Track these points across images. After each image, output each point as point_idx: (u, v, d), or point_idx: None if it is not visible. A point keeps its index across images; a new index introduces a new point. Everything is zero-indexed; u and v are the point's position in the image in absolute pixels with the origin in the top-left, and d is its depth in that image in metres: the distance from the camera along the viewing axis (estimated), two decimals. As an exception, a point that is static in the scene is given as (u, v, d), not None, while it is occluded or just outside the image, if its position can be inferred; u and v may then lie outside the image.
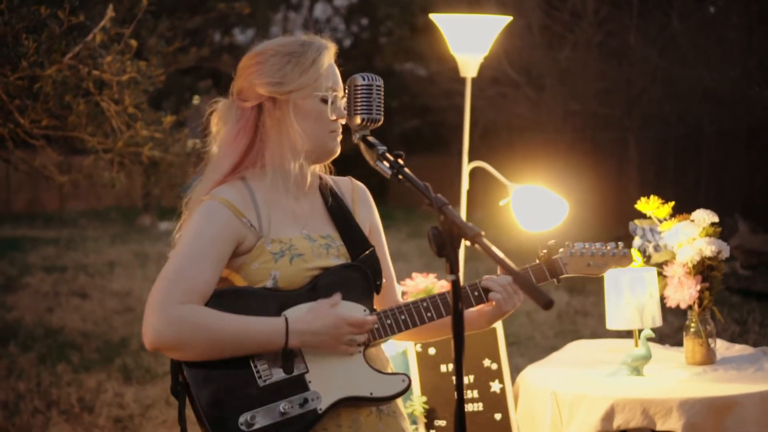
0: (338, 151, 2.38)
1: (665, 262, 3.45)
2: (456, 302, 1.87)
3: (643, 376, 3.34)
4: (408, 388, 2.32)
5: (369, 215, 2.48)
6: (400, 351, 3.66)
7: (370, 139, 2.25)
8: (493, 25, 4.38)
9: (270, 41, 2.36)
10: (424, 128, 22.59)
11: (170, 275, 2.18)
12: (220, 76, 15.47)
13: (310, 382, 2.22)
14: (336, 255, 2.33)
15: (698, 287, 3.37)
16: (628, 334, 3.59)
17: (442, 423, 3.62)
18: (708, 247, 3.36)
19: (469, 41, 4.35)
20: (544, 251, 2.52)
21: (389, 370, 2.38)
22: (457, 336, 1.86)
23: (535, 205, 3.80)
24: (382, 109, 2.28)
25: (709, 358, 3.42)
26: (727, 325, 7.88)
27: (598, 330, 7.79)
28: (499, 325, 3.67)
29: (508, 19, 4.47)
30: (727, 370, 3.35)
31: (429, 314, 2.34)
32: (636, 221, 3.56)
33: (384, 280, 2.41)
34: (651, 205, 3.53)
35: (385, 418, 2.33)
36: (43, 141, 4.98)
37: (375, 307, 2.35)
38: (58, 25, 4.26)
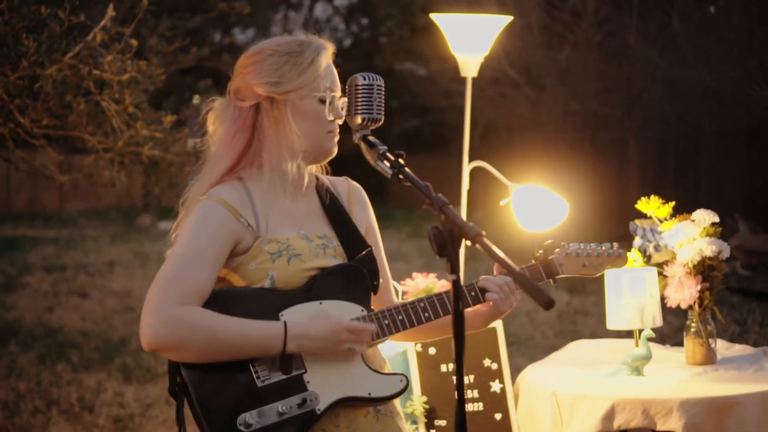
0: (335, 151, 2.38)
1: (666, 262, 3.45)
2: (457, 302, 1.86)
3: (644, 376, 3.33)
4: (406, 388, 2.31)
5: (365, 215, 2.48)
6: (400, 351, 3.65)
7: (371, 138, 2.25)
8: (493, 25, 4.38)
9: (268, 41, 2.35)
10: (424, 128, 22.62)
11: (167, 275, 2.17)
12: (220, 76, 15.47)
13: (308, 382, 2.22)
14: (333, 255, 2.32)
15: (698, 287, 3.36)
16: (628, 334, 3.58)
17: (442, 423, 3.62)
18: (708, 247, 3.35)
19: (470, 41, 4.35)
20: (540, 251, 2.52)
21: (387, 371, 2.37)
22: (458, 336, 1.86)
23: (535, 205, 3.80)
24: (383, 109, 2.28)
25: (710, 358, 3.42)
26: (728, 325, 7.88)
27: (598, 330, 7.79)
28: (499, 325, 3.66)
29: (509, 18, 4.47)
30: (727, 370, 3.34)
31: (426, 314, 2.34)
32: (636, 221, 3.56)
33: (381, 281, 2.40)
34: (651, 205, 3.53)
35: (382, 419, 2.33)
36: (43, 140, 4.98)
37: (372, 307, 2.35)
38: (58, 24, 4.26)
